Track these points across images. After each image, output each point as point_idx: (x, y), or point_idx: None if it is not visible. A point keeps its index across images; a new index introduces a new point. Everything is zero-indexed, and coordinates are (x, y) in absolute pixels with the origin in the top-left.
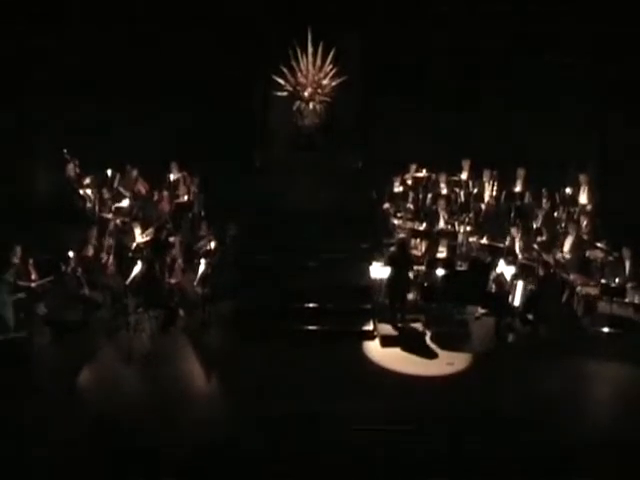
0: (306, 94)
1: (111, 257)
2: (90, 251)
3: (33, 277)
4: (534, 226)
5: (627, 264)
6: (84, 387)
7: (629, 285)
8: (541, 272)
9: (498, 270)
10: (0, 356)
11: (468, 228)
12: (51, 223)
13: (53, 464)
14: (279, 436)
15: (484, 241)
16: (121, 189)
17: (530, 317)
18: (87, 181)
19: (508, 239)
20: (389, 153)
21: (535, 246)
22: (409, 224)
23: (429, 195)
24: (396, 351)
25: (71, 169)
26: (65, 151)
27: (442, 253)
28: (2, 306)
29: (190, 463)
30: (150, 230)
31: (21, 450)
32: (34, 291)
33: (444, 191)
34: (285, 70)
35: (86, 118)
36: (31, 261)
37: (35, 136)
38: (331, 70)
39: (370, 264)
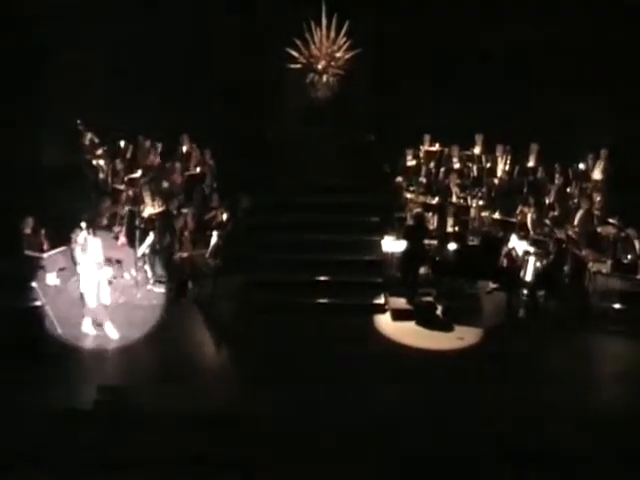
0: (319, 67)
1: (123, 228)
2: (103, 222)
3: (45, 247)
4: (547, 201)
5: (636, 243)
6: (93, 357)
7: None
8: (553, 247)
9: (510, 245)
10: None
11: (480, 203)
12: (63, 193)
13: None
14: (288, 410)
15: (496, 216)
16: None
17: (541, 292)
18: (100, 152)
19: (520, 214)
20: (402, 127)
21: (547, 221)
22: (421, 198)
23: (442, 169)
24: (407, 325)
25: (85, 139)
26: (79, 122)
27: (454, 227)
28: None
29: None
30: (162, 201)
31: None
32: (45, 262)
33: (457, 165)
34: (298, 42)
35: (100, 88)
36: (43, 232)
37: (48, 106)
38: (345, 43)
39: (382, 238)
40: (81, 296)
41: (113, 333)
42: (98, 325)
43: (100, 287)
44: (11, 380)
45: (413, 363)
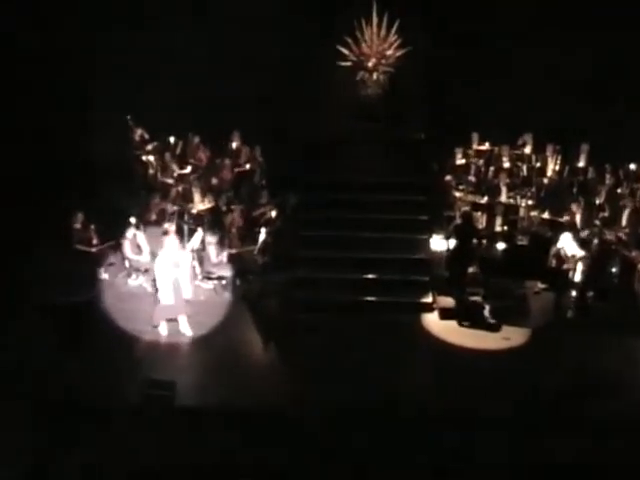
0: (370, 64)
1: (172, 224)
2: (151, 217)
3: (94, 242)
4: (596, 202)
5: None
6: (144, 351)
7: None
8: (602, 248)
9: (559, 245)
10: (62, 320)
11: (529, 202)
12: (113, 189)
13: None
14: (337, 410)
15: (545, 216)
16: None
17: (590, 293)
18: (150, 148)
19: (569, 214)
20: (451, 125)
21: (597, 222)
22: (470, 197)
23: (491, 168)
24: (454, 324)
25: (135, 135)
26: (129, 117)
27: (502, 227)
28: None
29: None
30: (211, 198)
31: None
32: (95, 256)
33: (506, 164)
34: (349, 40)
35: (151, 87)
36: (92, 227)
37: (97, 101)
38: (395, 40)
39: (430, 236)
40: (155, 291)
41: (187, 330)
42: (169, 321)
43: (178, 284)
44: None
45: (460, 362)
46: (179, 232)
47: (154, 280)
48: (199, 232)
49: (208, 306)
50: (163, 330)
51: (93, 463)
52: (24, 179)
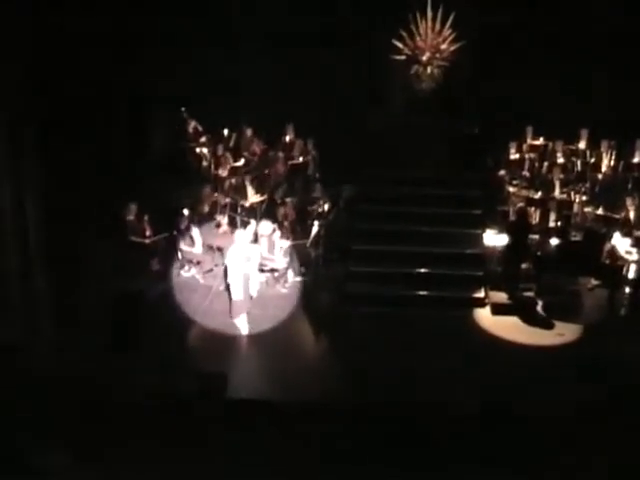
0: (424, 58)
1: (225, 216)
2: (204, 209)
3: (147, 234)
4: None
5: None
6: (194, 343)
7: None
8: None
9: (613, 242)
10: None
11: (584, 198)
12: (166, 181)
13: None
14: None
15: (599, 212)
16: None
17: None
18: (203, 140)
19: (624, 210)
20: (506, 119)
21: None
22: (524, 192)
23: (545, 163)
24: (506, 319)
25: (189, 127)
26: (183, 109)
27: (556, 222)
28: None
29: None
30: (264, 190)
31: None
32: (148, 247)
33: (560, 160)
34: (404, 34)
35: (203, 76)
36: (146, 218)
37: (152, 93)
38: (450, 34)
39: (484, 231)
40: (227, 288)
41: (244, 327)
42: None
43: (249, 279)
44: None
45: (511, 358)
46: (232, 224)
47: (225, 274)
48: (252, 225)
49: (260, 299)
50: (243, 325)
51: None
52: (79, 171)
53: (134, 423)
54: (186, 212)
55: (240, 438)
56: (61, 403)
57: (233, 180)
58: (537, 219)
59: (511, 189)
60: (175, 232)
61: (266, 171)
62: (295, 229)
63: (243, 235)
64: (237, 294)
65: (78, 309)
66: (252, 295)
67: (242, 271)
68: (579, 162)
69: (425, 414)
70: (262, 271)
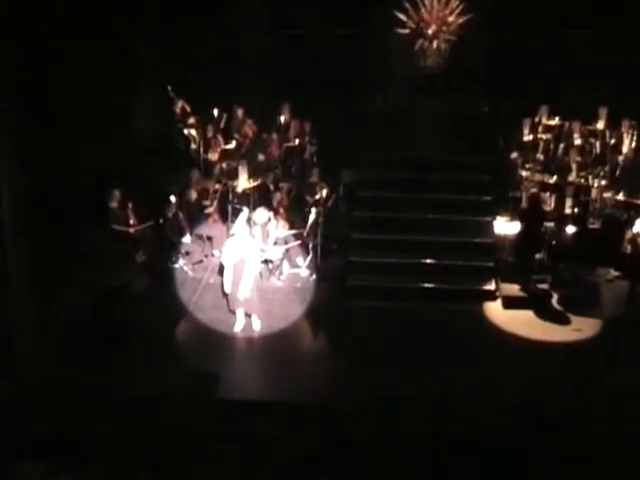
0: (430, 32)
1: (215, 203)
2: (193, 196)
3: (132, 222)
4: None
5: None
6: (180, 339)
7: None
8: None
9: (634, 229)
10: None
11: (603, 182)
12: (152, 165)
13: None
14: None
15: (620, 197)
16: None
17: None
18: (192, 121)
19: None
20: (518, 98)
21: None
22: (538, 176)
23: (561, 145)
24: (519, 314)
25: (176, 107)
26: (169, 88)
27: (573, 209)
28: None
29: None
30: (257, 175)
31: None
32: (133, 236)
33: (578, 141)
34: (408, 5)
35: (192, 53)
36: (130, 205)
37: (135, 71)
38: (457, 6)
39: (494, 219)
40: (222, 288)
41: (239, 326)
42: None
43: (244, 274)
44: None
45: (524, 355)
46: (223, 212)
47: (221, 269)
48: (244, 212)
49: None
50: (240, 320)
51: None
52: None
53: (119, 424)
54: (173, 199)
55: (232, 441)
56: (45, 403)
57: (224, 164)
58: (552, 205)
59: (524, 173)
60: (161, 220)
61: (260, 155)
62: (291, 217)
63: (240, 228)
64: (228, 287)
65: (57, 305)
66: (245, 295)
67: (239, 268)
68: (598, 143)
69: (431, 416)
70: None
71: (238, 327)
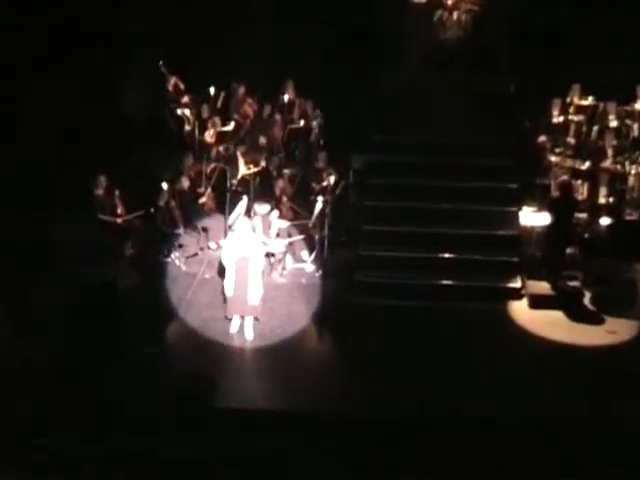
0: (449, 1)
1: (210, 190)
2: (186, 183)
3: (119, 211)
4: None
5: None
6: (172, 339)
7: None
8: None
9: None
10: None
11: None
12: (141, 149)
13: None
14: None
15: None
16: None
17: None
18: (186, 100)
19: None
20: (548, 75)
21: None
22: (569, 162)
23: (595, 127)
24: (547, 314)
25: (168, 85)
26: (161, 63)
27: (608, 198)
28: None
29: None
30: (258, 160)
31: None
32: (120, 228)
33: (613, 123)
34: None
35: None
36: (117, 193)
37: (125, 46)
38: None
39: (520, 209)
40: (222, 285)
41: (250, 333)
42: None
43: (248, 276)
44: None
45: (553, 361)
46: (220, 201)
47: (221, 269)
48: (244, 201)
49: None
50: (234, 326)
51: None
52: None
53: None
54: (165, 186)
55: (230, 452)
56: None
57: (221, 148)
58: (584, 194)
59: (553, 158)
60: (152, 210)
61: (261, 137)
62: (295, 207)
63: (239, 220)
64: (230, 291)
65: (39, 301)
66: (253, 303)
67: (242, 267)
68: (636, 126)
69: (449, 426)
70: None
71: (234, 329)
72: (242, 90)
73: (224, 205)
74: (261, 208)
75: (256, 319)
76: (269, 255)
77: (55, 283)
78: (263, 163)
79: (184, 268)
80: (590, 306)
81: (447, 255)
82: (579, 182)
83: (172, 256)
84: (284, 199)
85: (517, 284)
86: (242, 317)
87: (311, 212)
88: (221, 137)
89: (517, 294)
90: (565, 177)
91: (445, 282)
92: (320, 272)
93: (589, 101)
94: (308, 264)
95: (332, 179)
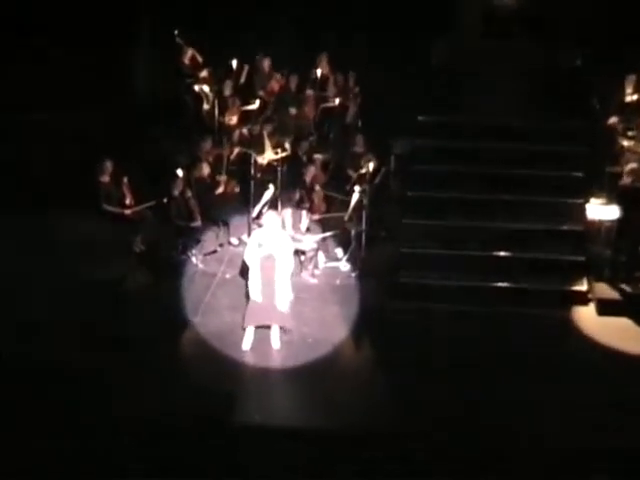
0: None
1: (231, 178)
2: (205, 170)
3: (127, 202)
4: None
5: None
6: (188, 349)
7: None
8: None
9: None
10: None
11: None
12: (154, 131)
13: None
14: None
15: None
16: None
17: None
18: (204, 74)
19: None
20: (620, 47)
21: None
22: None
23: None
24: (616, 321)
25: (185, 58)
26: (176, 33)
27: None
28: None
29: None
30: (287, 143)
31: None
32: (128, 220)
33: None
34: None
35: None
36: (125, 180)
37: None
38: None
39: (587, 201)
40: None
41: (276, 342)
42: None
43: (274, 280)
44: None
45: (622, 372)
46: (243, 191)
47: (244, 268)
48: (270, 190)
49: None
50: (248, 338)
51: None
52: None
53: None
54: (180, 173)
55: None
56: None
57: (244, 129)
58: None
59: (625, 143)
60: (165, 200)
61: (289, 117)
62: (328, 197)
63: (266, 213)
64: (257, 296)
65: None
66: (281, 310)
67: (267, 269)
68: None
69: (503, 448)
70: None
71: (247, 345)
72: (268, 63)
73: (247, 195)
74: (289, 198)
75: (283, 330)
76: (299, 253)
77: (55, 283)
78: (292, 147)
79: (201, 267)
80: None
81: (502, 253)
82: None
83: (188, 253)
84: (316, 188)
85: (583, 287)
86: (268, 326)
87: (347, 203)
88: (244, 117)
89: (583, 298)
90: (638, 165)
91: (500, 284)
92: (356, 272)
93: None
94: (343, 263)
95: (371, 166)
